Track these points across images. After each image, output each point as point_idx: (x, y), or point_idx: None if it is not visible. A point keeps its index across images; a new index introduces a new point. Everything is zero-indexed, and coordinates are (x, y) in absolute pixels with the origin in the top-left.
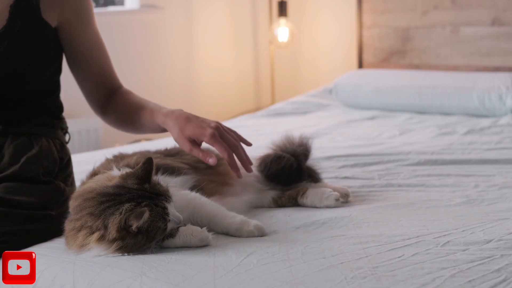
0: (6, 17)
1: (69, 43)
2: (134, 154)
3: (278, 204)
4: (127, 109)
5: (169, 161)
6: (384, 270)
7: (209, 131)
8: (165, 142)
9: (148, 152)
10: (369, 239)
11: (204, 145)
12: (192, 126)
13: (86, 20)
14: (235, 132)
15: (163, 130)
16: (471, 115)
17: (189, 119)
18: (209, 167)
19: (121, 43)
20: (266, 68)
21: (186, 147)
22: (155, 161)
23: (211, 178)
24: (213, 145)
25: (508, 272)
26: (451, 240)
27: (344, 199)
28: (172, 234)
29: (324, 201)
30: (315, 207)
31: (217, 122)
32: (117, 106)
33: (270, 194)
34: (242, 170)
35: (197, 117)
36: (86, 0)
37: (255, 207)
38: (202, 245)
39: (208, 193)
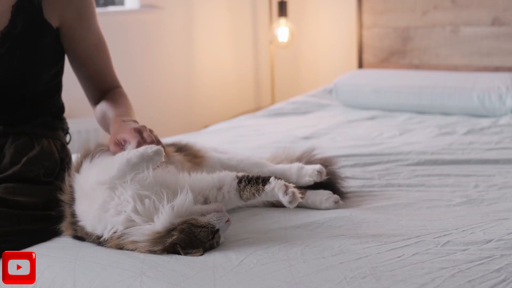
0: (9, 17)
1: (70, 44)
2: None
3: (275, 204)
4: (105, 107)
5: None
6: (384, 270)
7: (130, 126)
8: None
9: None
10: (369, 239)
11: None
12: (123, 127)
13: (87, 23)
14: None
15: None
16: (471, 115)
17: (125, 125)
18: (179, 151)
19: (121, 43)
20: (266, 68)
21: (111, 146)
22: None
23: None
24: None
25: (508, 272)
26: (451, 240)
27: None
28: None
29: (324, 203)
30: (316, 208)
31: (143, 126)
32: (101, 104)
33: None
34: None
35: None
36: (89, 3)
37: (251, 206)
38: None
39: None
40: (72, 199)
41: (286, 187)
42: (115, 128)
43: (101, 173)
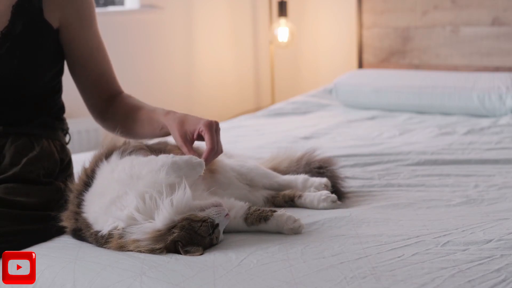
0: (8, 18)
1: (69, 46)
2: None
3: (274, 203)
4: (127, 110)
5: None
6: (384, 270)
7: (206, 120)
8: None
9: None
10: (369, 239)
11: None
12: (191, 118)
13: (87, 24)
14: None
15: (162, 130)
16: (471, 115)
17: (188, 115)
18: None
19: (121, 43)
20: (266, 68)
21: (179, 141)
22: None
23: None
24: (204, 132)
25: (508, 272)
26: (451, 240)
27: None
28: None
29: (321, 202)
30: (313, 208)
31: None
32: (116, 109)
33: (262, 193)
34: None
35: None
36: (89, 4)
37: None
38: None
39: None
40: (86, 187)
41: (295, 218)
42: (177, 117)
43: (139, 166)
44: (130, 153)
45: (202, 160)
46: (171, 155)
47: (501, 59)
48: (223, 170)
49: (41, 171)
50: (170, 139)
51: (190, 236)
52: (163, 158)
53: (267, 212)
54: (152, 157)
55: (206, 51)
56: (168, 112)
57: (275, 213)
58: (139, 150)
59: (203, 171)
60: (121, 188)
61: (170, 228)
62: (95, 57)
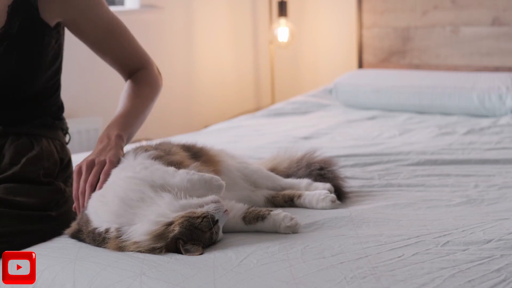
0: (5, 18)
1: (81, 36)
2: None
3: (274, 203)
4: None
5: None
6: (384, 270)
7: (83, 161)
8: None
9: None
10: (369, 239)
11: None
12: (95, 152)
13: (93, 13)
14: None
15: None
16: (471, 115)
17: (98, 148)
18: (195, 156)
19: None
20: (266, 68)
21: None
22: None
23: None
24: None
25: (508, 272)
26: (451, 240)
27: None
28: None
29: (320, 202)
30: (313, 208)
31: (90, 160)
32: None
33: (262, 193)
34: None
35: (99, 150)
36: None
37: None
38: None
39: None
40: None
41: (291, 217)
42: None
43: (157, 174)
44: (147, 156)
45: (223, 183)
46: (191, 172)
47: (501, 59)
48: (227, 170)
49: (41, 171)
50: (172, 139)
51: (190, 232)
52: (181, 172)
53: (264, 211)
54: (170, 168)
55: (206, 51)
56: (104, 135)
57: (271, 212)
58: (158, 158)
59: (221, 192)
60: (126, 187)
61: (169, 225)
62: (109, 40)
